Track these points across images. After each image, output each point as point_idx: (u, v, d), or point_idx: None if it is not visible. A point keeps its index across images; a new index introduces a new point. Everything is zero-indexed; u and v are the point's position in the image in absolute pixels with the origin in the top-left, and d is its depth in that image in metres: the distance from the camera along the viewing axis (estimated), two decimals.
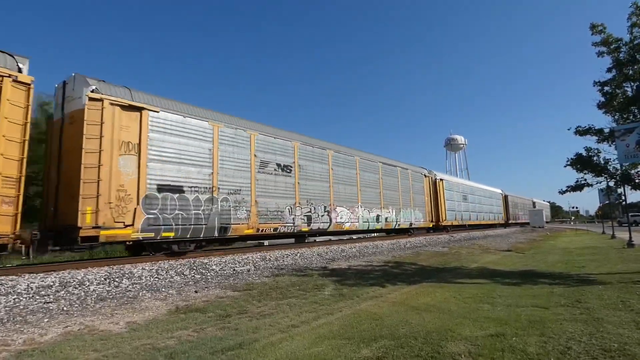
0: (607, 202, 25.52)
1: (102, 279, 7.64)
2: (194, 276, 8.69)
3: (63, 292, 6.68)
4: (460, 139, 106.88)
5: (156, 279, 8.12)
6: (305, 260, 11.83)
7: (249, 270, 9.75)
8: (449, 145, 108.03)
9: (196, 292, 7.02)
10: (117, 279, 7.73)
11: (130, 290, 7.11)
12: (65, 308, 5.80)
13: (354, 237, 19.97)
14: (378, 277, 8.76)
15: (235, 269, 9.81)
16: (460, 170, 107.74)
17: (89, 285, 7.17)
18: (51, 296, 6.40)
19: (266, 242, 15.64)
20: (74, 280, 7.31)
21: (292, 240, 16.36)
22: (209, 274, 9.04)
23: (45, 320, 5.12)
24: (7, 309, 5.63)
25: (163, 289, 7.24)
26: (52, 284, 7.00)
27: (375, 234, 22.32)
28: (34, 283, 6.90)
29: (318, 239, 18.99)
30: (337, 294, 6.74)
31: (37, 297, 6.28)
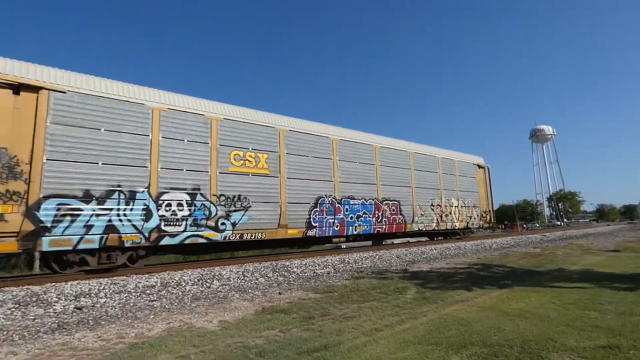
0: None
1: (196, 279, 8.30)
2: (277, 278, 9.04)
3: (164, 291, 7.40)
4: (548, 129, 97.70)
5: (243, 281, 8.60)
6: (384, 263, 11.65)
7: (328, 273, 9.88)
8: (535, 137, 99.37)
9: (280, 293, 7.28)
10: (208, 280, 8.34)
11: (220, 291, 7.62)
12: (166, 306, 6.40)
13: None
14: (463, 279, 8.30)
15: (316, 271, 10.01)
16: (550, 163, 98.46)
17: (185, 286, 7.84)
18: (154, 295, 7.13)
19: (343, 245, 15.65)
20: (172, 281, 8.05)
21: (370, 242, 16.25)
22: (290, 276, 9.34)
23: (151, 316, 5.69)
24: (120, 305, 6.40)
25: (249, 290, 7.64)
26: (154, 284, 7.79)
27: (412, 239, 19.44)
28: (140, 283, 7.75)
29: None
30: (420, 297, 6.52)
31: (144, 296, 7.04)
